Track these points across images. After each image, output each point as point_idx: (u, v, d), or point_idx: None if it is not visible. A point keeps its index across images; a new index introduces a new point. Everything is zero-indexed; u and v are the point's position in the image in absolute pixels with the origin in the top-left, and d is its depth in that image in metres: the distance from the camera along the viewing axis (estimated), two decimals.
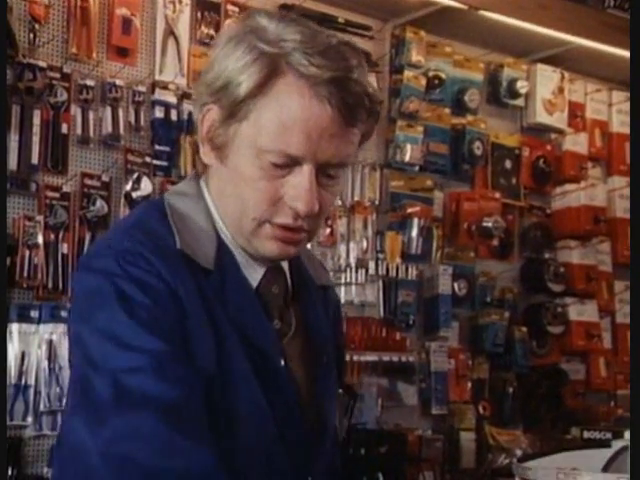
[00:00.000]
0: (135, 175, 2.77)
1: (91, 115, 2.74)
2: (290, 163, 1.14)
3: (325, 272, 1.43)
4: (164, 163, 2.85)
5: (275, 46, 1.14)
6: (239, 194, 1.17)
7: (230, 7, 3.04)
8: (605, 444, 1.76)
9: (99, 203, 2.70)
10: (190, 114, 2.88)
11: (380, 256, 3.22)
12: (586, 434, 2.13)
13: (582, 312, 3.77)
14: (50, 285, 2.58)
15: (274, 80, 1.13)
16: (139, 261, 1.13)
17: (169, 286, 1.13)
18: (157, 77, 2.88)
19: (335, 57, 1.13)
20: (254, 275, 1.23)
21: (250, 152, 1.15)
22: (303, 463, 1.22)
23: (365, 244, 3.21)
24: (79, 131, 2.72)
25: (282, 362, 1.21)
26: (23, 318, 2.54)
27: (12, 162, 2.58)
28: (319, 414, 1.25)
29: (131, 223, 1.23)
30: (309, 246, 3.06)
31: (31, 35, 2.64)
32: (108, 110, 2.76)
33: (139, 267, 1.13)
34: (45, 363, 2.54)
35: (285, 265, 1.28)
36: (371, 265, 3.17)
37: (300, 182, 1.15)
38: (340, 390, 1.34)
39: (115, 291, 1.12)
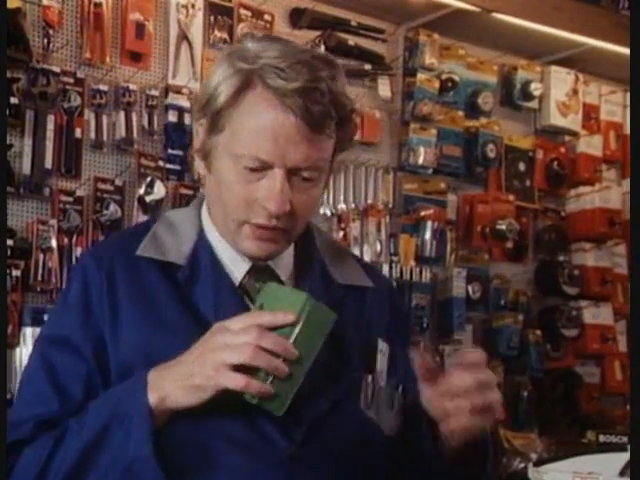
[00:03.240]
0: (148, 179, 2.78)
1: (104, 120, 2.74)
2: (262, 167, 1.24)
3: (361, 273, 1.44)
4: (177, 167, 2.86)
5: (250, 63, 1.25)
6: (221, 197, 1.29)
7: (243, 11, 3.04)
8: (621, 448, 1.75)
9: (112, 207, 2.71)
10: None
11: (394, 259, 3.21)
12: (602, 438, 2.12)
13: (597, 315, 3.75)
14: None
15: (245, 92, 1.24)
16: (89, 264, 1.33)
17: (103, 286, 1.29)
18: (170, 81, 2.88)
19: (303, 70, 1.22)
20: (237, 273, 1.33)
21: (228, 158, 1.27)
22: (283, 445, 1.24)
23: (379, 247, 3.20)
24: (92, 135, 2.73)
25: None
26: (37, 322, 2.53)
27: (26, 166, 2.59)
28: (310, 410, 1.26)
29: (119, 233, 1.50)
30: None
31: (45, 40, 2.65)
32: (121, 114, 2.77)
33: (85, 270, 1.33)
34: None
35: (284, 263, 1.36)
36: (385, 268, 3.16)
37: (271, 184, 1.24)
38: (381, 382, 1.34)
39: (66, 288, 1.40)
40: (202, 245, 1.33)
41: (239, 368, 1.16)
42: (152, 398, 1.19)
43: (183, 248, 1.32)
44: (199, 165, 1.34)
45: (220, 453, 1.22)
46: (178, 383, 1.19)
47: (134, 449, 1.18)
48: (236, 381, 1.16)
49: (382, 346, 1.36)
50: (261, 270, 1.33)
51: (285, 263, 1.37)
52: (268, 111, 1.23)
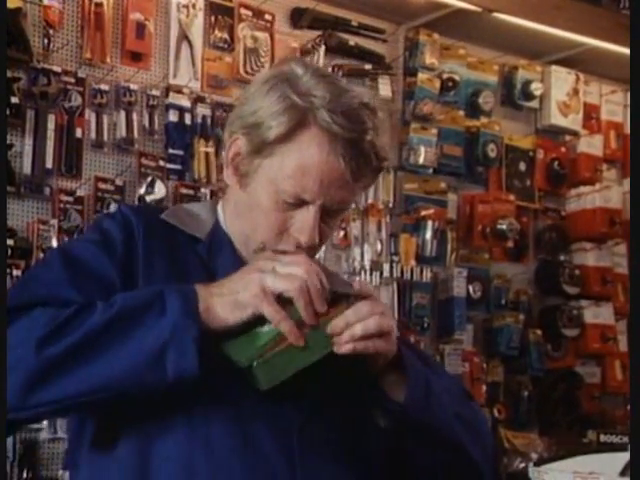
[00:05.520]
0: (149, 179, 2.78)
1: (105, 119, 2.74)
2: (300, 203, 1.30)
3: (340, 279, 1.52)
4: (178, 167, 2.86)
5: (305, 99, 1.29)
6: (252, 218, 1.33)
7: (243, 11, 3.05)
8: (622, 448, 1.75)
9: (113, 207, 2.71)
10: (204, 118, 2.89)
11: (394, 259, 3.21)
12: (603, 437, 2.11)
13: (597, 315, 3.75)
14: None
15: (300, 130, 1.29)
16: (116, 216, 1.34)
17: (130, 239, 1.30)
18: (171, 81, 2.88)
19: (355, 119, 1.29)
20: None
21: (269, 187, 1.31)
22: (288, 440, 1.25)
23: (379, 247, 3.20)
24: (93, 135, 2.73)
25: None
26: None
27: (26, 166, 2.59)
28: (315, 395, 1.28)
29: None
30: (323, 247, 3.07)
31: (45, 40, 2.65)
32: (122, 114, 2.77)
33: (113, 219, 1.33)
34: None
35: None
36: (385, 268, 3.16)
37: (306, 219, 1.30)
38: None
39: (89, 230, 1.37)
40: (219, 229, 1.38)
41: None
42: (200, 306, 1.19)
43: (202, 227, 1.37)
44: (229, 177, 1.36)
45: (234, 419, 1.24)
46: (223, 298, 1.20)
47: (175, 329, 1.16)
48: (275, 312, 1.18)
49: None
50: None
51: None
52: (320, 154, 1.28)
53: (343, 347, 1.21)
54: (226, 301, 1.20)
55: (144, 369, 1.16)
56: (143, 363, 1.16)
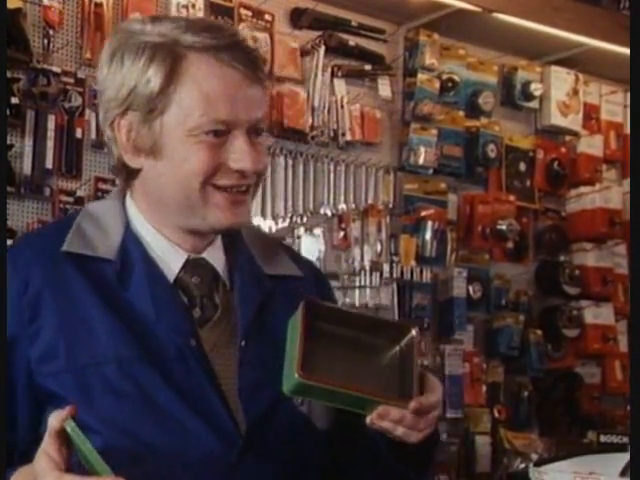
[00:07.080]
0: None
1: None
2: (223, 131, 1.22)
3: (290, 263, 1.41)
4: None
5: (162, 37, 1.23)
6: (182, 173, 1.23)
7: (243, 11, 3.04)
8: (622, 448, 1.75)
9: None
10: None
11: (394, 259, 3.21)
12: (603, 438, 2.11)
13: (598, 315, 3.75)
14: None
15: (179, 65, 1.22)
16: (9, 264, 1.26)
17: (24, 286, 1.24)
18: None
19: (217, 28, 1.26)
20: (172, 267, 1.29)
21: (183, 134, 1.22)
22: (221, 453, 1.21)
23: (379, 247, 3.20)
24: (93, 136, 2.72)
25: (193, 342, 1.25)
26: None
27: (26, 167, 2.59)
28: (249, 412, 1.24)
29: (40, 228, 1.44)
30: (323, 248, 3.06)
31: (45, 41, 2.65)
32: None
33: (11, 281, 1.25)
34: None
35: (217, 256, 1.33)
36: (385, 268, 3.16)
37: (240, 145, 1.23)
38: None
39: None
40: (131, 238, 1.28)
41: None
42: None
43: (111, 242, 1.27)
44: (133, 159, 1.26)
45: (156, 463, 1.19)
46: None
47: None
48: None
49: None
50: (197, 263, 1.31)
51: (219, 256, 1.34)
52: (212, 72, 1.22)
53: (375, 426, 1.17)
54: None
55: None
56: None
